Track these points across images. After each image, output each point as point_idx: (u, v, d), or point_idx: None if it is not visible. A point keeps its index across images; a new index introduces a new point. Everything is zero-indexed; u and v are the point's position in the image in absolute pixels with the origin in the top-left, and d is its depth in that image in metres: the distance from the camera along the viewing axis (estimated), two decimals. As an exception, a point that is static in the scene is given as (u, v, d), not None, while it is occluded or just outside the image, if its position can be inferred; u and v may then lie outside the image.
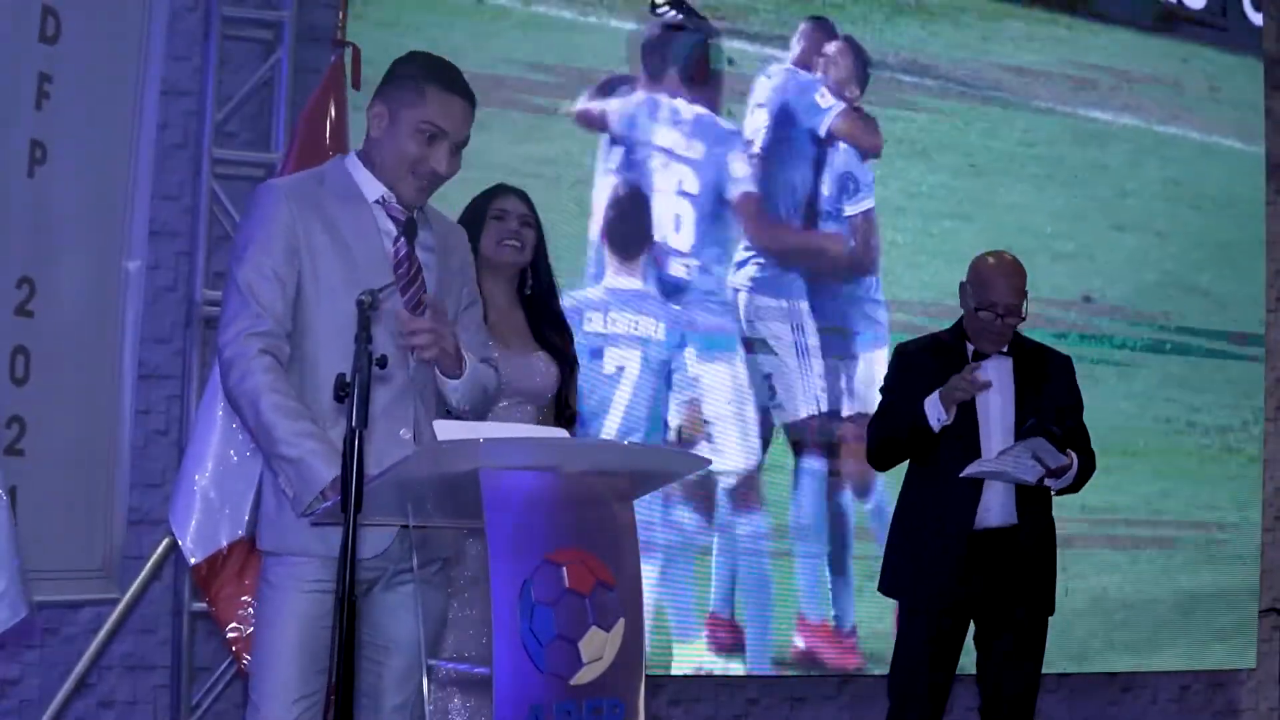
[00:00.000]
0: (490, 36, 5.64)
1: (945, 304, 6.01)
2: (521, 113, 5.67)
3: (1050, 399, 4.66)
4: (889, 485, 5.62)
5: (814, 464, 6.03)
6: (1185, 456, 6.65)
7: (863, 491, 6.06)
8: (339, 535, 3.02)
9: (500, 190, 4.33)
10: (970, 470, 4.53)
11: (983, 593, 4.59)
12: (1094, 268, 6.52)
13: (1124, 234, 6.59)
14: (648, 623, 5.56)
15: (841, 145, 6.16)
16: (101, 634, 5.11)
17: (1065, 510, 4.84)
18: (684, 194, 5.95)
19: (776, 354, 6.01)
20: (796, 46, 6.13)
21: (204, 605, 4.95)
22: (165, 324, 5.32)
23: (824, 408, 6.07)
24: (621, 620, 3.02)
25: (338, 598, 2.87)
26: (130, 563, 5.11)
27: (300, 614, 3.20)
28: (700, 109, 5.98)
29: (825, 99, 6.11)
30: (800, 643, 5.97)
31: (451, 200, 3.60)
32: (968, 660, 4.73)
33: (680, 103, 5.95)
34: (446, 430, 2.99)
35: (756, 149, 6.03)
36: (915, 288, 6.25)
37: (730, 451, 5.93)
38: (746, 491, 5.96)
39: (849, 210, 6.17)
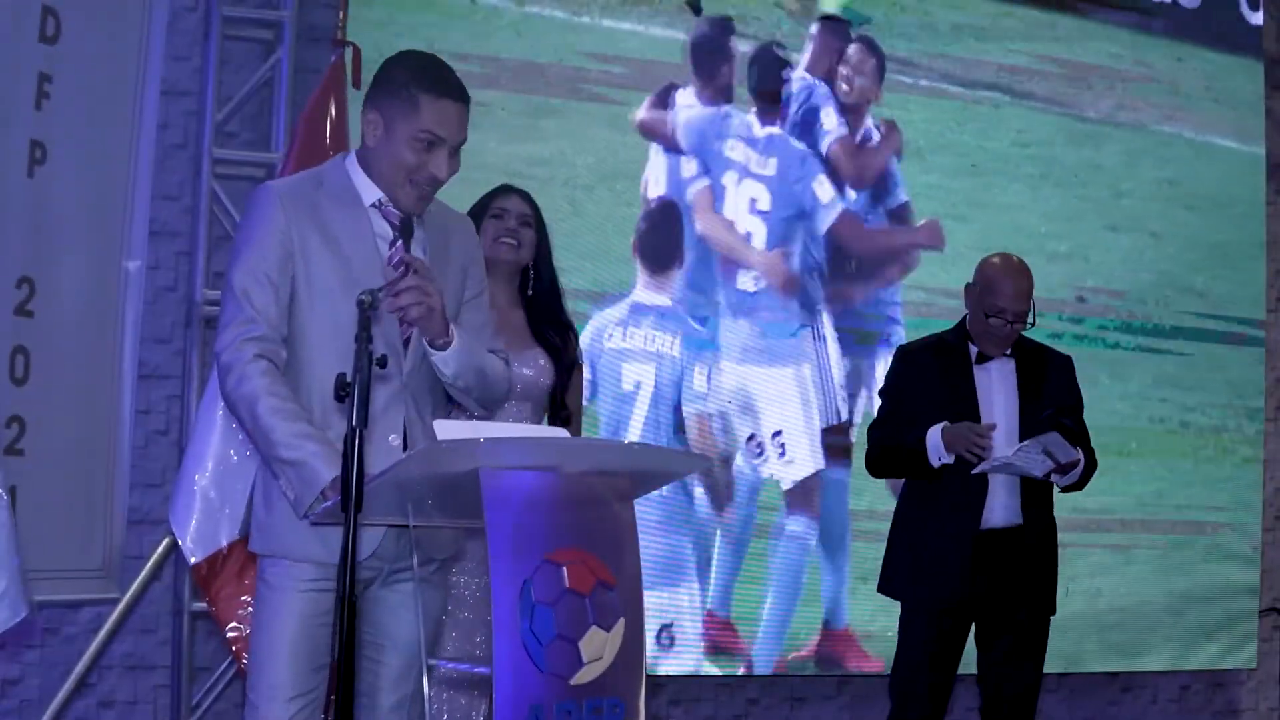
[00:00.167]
0: (488, 36, 5.64)
1: (939, 304, 6.05)
2: (515, 113, 5.69)
3: (1052, 399, 4.66)
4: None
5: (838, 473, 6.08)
6: (1184, 456, 6.65)
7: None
8: (330, 538, 3.03)
9: (502, 190, 4.33)
10: (982, 467, 4.53)
11: (985, 593, 4.59)
12: (1088, 267, 6.50)
13: (1118, 234, 6.57)
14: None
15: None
16: (102, 634, 5.11)
17: (1064, 510, 4.83)
18: (757, 212, 6.01)
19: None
20: (809, 47, 6.12)
21: (204, 605, 4.96)
22: (165, 324, 5.32)
23: (844, 416, 6.09)
24: (622, 620, 3.02)
25: (338, 597, 2.87)
26: (130, 562, 5.11)
27: (297, 613, 3.20)
28: (774, 128, 6.04)
29: (829, 119, 6.12)
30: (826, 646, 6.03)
31: (455, 200, 3.59)
32: (969, 660, 4.73)
33: (752, 119, 6.01)
34: (446, 430, 2.99)
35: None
36: (909, 288, 6.25)
37: (799, 459, 5.99)
38: (804, 496, 6.01)
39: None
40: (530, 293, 4.29)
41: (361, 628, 3.19)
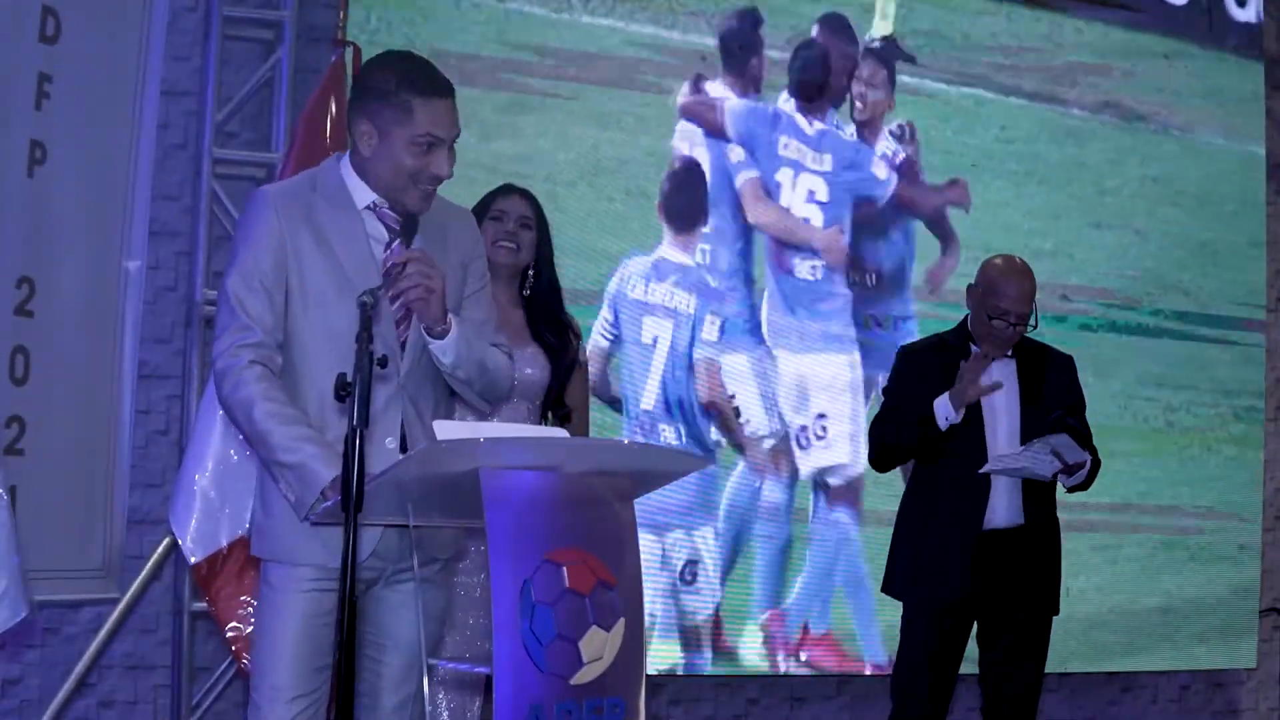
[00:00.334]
0: (486, 35, 5.63)
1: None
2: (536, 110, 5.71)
3: (1053, 399, 4.66)
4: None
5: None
6: (1169, 455, 6.65)
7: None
8: (331, 540, 3.03)
9: (503, 190, 4.33)
10: (989, 467, 4.53)
11: (987, 593, 4.59)
12: (1072, 264, 6.48)
13: (1103, 231, 6.57)
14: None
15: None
16: (102, 634, 5.11)
17: (1064, 510, 4.83)
18: (815, 201, 6.07)
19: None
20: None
21: (204, 605, 4.95)
22: (165, 324, 5.32)
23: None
24: (622, 620, 3.02)
25: (340, 597, 2.87)
26: (130, 562, 5.11)
27: (300, 613, 3.20)
28: (820, 124, 6.09)
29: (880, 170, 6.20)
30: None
31: (459, 200, 3.59)
32: (973, 660, 4.73)
33: (798, 116, 6.06)
34: (446, 430, 2.99)
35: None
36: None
37: (839, 449, 6.05)
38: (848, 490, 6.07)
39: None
40: (528, 293, 4.28)
41: (363, 628, 3.20)
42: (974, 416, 4.58)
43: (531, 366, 4.18)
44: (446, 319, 3.21)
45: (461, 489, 2.94)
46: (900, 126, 6.21)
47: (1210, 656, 6.68)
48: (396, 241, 3.27)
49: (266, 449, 3.15)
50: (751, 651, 5.95)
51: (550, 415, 4.25)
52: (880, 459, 4.86)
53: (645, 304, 5.84)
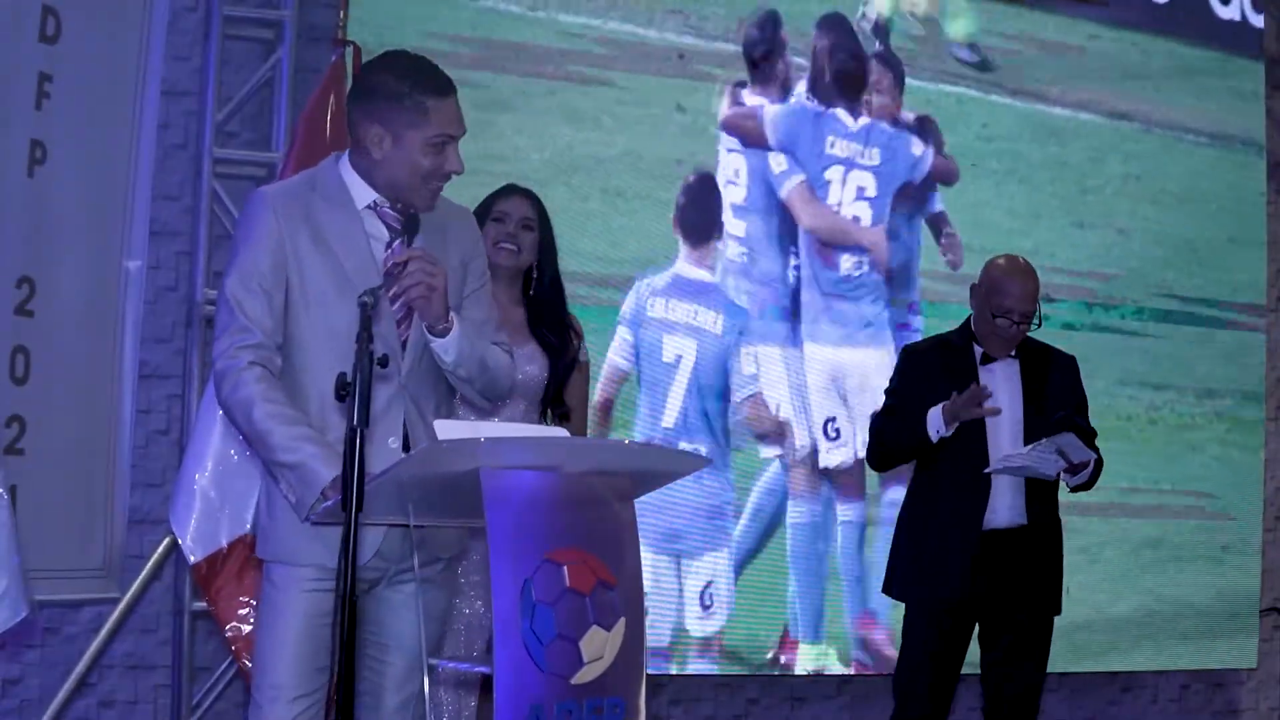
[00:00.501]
0: (486, 36, 5.64)
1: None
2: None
3: (1056, 399, 4.66)
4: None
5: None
6: (1176, 454, 6.64)
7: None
8: (334, 541, 3.03)
9: (505, 191, 4.33)
10: (994, 467, 4.53)
11: (988, 593, 4.59)
12: (1054, 263, 6.46)
13: (1085, 230, 6.56)
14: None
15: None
16: (102, 633, 5.11)
17: (1064, 510, 4.83)
18: (864, 198, 6.10)
19: None
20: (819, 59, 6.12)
21: (204, 605, 4.95)
22: (166, 323, 5.32)
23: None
24: (622, 620, 3.02)
25: (339, 597, 2.87)
26: (131, 562, 5.11)
27: (302, 613, 3.20)
28: (865, 118, 6.12)
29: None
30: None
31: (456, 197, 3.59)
32: (974, 660, 4.74)
33: (842, 113, 6.08)
34: (447, 430, 2.99)
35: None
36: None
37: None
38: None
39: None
40: (532, 293, 4.29)
41: (365, 628, 3.20)
42: (976, 418, 4.58)
43: (530, 365, 4.18)
44: (448, 317, 3.21)
45: (462, 488, 2.94)
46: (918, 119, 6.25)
47: (1210, 656, 6.67)
48: (398, 240, 3.27)
49: (266, 449, 3.15)
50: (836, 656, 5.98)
51: (549, 413, 4.25)
52: (878, 459, 4.86)
53: (666, 322, 5.81)
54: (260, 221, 3.24)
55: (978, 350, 4.67)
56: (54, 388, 4.79)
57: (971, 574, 4.56)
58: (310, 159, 4.64)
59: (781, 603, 5.95)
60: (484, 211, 4.23)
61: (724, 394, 5.88)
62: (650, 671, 4.07)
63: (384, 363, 2.94)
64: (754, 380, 5.92)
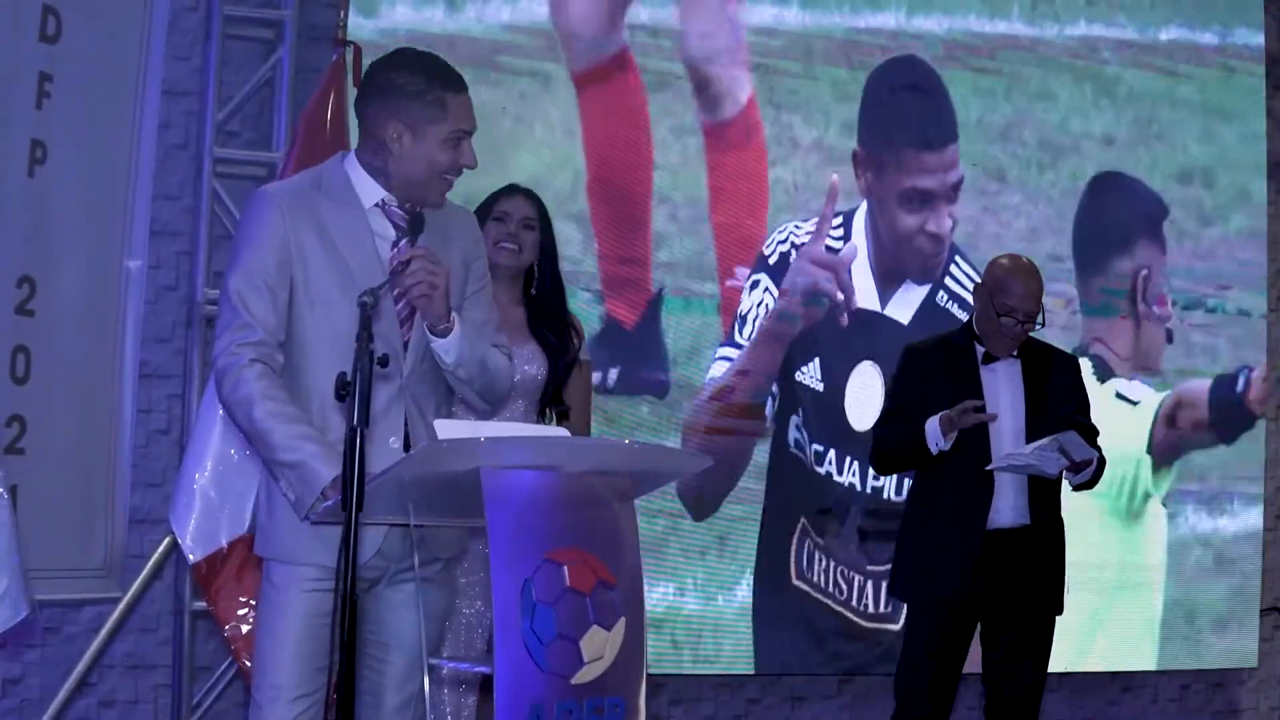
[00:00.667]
0: (486, 36, 5.64)
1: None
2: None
3: (1058, 400, 4.67)
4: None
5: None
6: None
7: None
8: (334, 540, 3.03)
9: (507, 190, 4.33)
10: (996, 464, 4.54)
11: (990, 593, 4.59)
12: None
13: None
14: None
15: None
16: (102, 633, 5.11)
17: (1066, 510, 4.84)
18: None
19: None
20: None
21: (205, 604, 4.95)
22: (166, 323, 5.32)
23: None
24: (622, 620, 3.02)
25: (338, 596, 2.87)
26: (131, 562, 5.11)
27: (303, 613, 3.20)
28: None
29: None
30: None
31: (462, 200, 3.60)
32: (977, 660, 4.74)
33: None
34: (447, 429, 2.99)
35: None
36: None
37: None
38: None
39: None
40: (534, 292, 4.29)
41: (365, 627, 3.20)
42: (979, 417, 4.59)
43: (529, 364, 4.18)
44: (450, 317, 3.21)
45: (462, 488, 2.94)
46: None
47: (1211, 656, 6.67)
48: (404, 240, 3.27)
49: (267, 448, 3.15)
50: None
51: (549, 412, 4.26)
52: (881, 464, 4.86)
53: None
54: (265, 219, 3.23)
55: (980, 350, 4.67)
56: (54, 387, 4.79)
57: (973, 574, 4.56)
58: (310, 159, 4.64)
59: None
60: (485, 211, 4.23)
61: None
62: (650, 671, 4.06)
63: (384, 362, 2.93)
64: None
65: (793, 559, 5.95)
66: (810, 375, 5.97)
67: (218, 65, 5.30)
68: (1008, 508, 4.60)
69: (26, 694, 5.13)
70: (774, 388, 5.93)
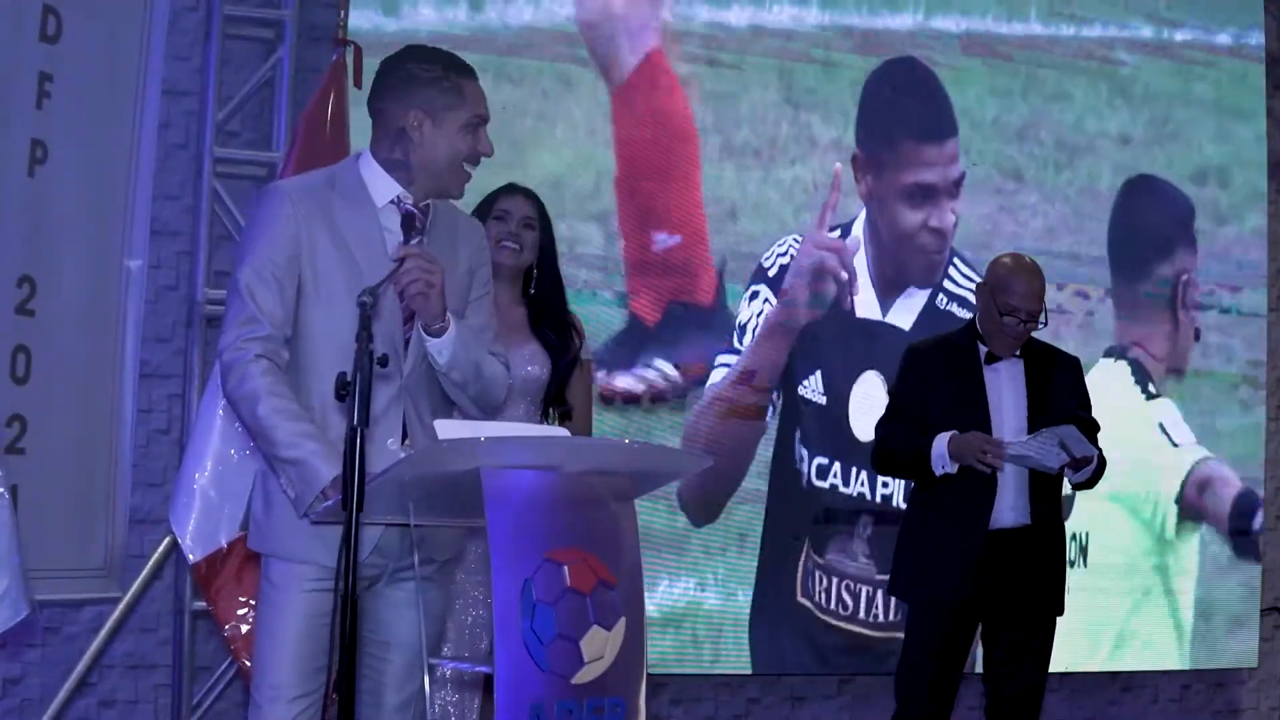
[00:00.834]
0: (508, 36, 5.64)
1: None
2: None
3: (1060, 399, 4.67)
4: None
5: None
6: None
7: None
8: (332, 538, 3.03)
9: (507, 190, 4.33)
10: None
11: (990, 593, 4.59)
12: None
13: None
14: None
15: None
16: (103, 633, 5.11)
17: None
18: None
19: None
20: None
21: (205, 604, 4.95)
22: (166, 323, 5.32)
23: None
24: (623, 620, 3.02)
25: (339, 596, 2.87)
26: (131, 562, 5.11)
27: (302, 612, 3.20)
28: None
29: None
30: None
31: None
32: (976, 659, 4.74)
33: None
34: (447, 430, 2.99)
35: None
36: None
37: None
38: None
39: None
40: (533, 291, 4.29)
41: (365, 626, 3.20)
42: (981, 417, 4.59)
43: (531, 364, 4.18)
44: (445, 317, 3.22)
45: (463, 488, 2.94)
46: None
47: (1211, 656, 6.67)
48: (414, 238, 3.28)
49: (269, 443, 3.16)
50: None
51: (552, 412, 4.26)
52: (882, 468, 4.84)
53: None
54: (276, 214, 3.24)
55: (982, 349, 4.67)
56: (55, 387, 4.79)
57: (973, 574, 4.56)
58: (310, 159, 4.65)
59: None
60: (485, 209, 4.24)
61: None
62: (650, 671, 4.07)
63: (384, 362, 2.94)
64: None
65: (799, 579, 5.93)
66: (812, 389, 5.96)
67: (218, 65, 5.30)
68: (1009, 508, 4.60)
69: (26, 694, 5.13)
70: (775, 396, 5.92)
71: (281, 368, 3.20)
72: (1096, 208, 6.52)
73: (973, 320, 4.75)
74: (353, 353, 2.94)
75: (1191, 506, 6.56)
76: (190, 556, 4.78)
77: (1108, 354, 6.45)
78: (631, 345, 5.73)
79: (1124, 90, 6.55)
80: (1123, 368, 6.41)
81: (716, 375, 5.89)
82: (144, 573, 5.13)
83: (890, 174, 6.11)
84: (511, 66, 5.58)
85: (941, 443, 4.52)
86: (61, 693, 5.05)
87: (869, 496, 5.99)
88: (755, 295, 5.93)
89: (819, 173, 6.02)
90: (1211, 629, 6.63)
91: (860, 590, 5.98)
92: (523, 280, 4.30)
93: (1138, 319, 6.50)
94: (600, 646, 2.97)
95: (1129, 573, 6.47)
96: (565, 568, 2.95)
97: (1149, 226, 6.57)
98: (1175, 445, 6.50)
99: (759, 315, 5.93)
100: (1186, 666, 6.63)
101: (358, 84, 4.96)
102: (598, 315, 5.63)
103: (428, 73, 3.27)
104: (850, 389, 5.98)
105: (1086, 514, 6.23)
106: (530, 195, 4.32)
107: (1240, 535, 6.65)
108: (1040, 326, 4.65)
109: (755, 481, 5.93)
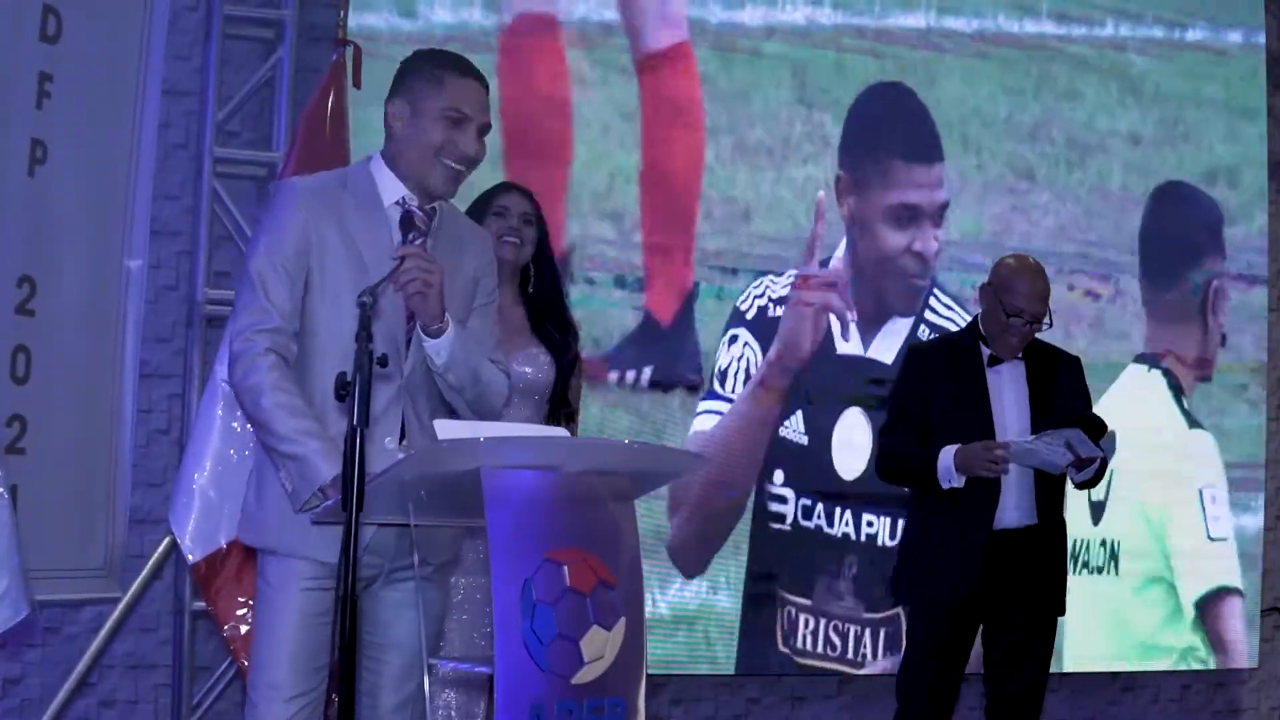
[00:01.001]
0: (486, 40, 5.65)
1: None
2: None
3: (1062, 399, 4.67)
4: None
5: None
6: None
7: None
8: (328, 533, 3.04)
9: (504, 187, 4.35)
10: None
11: (992, 593, 4.59)
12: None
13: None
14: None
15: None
16: (103, 633, 5.11)
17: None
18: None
19: None
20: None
21: (204, 604, 4.95)
22: (166, 323, 5.32)
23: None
24: (622, 620, 3.02)
25: (338, 596, 2.87)
26: (131, 562, 5.11)
27: (298, 612, 3.20)
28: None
29: None
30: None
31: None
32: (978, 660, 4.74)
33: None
34: (447, 430, 3.00)
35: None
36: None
37: None
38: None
39: None
40: (531, 290, 4.30)
41: (363, 627, 3.20)
42: (984, 418, 4.58)
43: (533, 365, 4.19)
44: (443, 318, 3.22)
45: (462, 488, 2.94)
46: None
47: (1212, 655, 6.67)
48: (411, 239, 3.29)
49: (270, 436, 3.17)
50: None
51: (557, 414, 4.26)
52: (885, 472, 4.83)
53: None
54: (289, 209, 3.27)
55: (985, 351, 4.67)
56: (55, 387, 4.79)
57: (976, 574, 4.55)
58: (310, 159, 4.66)
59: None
60: (484, 207, 4.24)
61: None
62: (651, 671, 4.07)
63: (384, 362, 2.94)
64: None
65: (778, 630, 5.91)
66: (793, 429, 5.93)
67: (218, 65, 5.30)
68: (1012, 507, 4.60)
69: (26, 694, 5.13)
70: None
71: (289, 362, 3.22)
72: (1107, 207, 6.53)
73: (975, 321, 4.75)
74: (352, 351, 2.94)
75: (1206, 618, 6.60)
76: (190, 557, 4.78)
77: (1139, 360, 6.47)
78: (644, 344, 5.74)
79: (1135, 89, 6.56)
80: (1156, 379, 6.44)
81: (703, 423, 5.82)
82: (144, 573, 5.13)
83: (876, 194, 6.08)
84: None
85: (947, 457, 4.51)
86: (61, 693, 5.05)
87: (854, 536, 5.98)
88: (734, 340, 5.87)
89: (830, 171, 6.03)
90: (1210, 628, 6.63)
91: (848, 630, 5.96)
92: (520, 278, 4.31)
93: (1169, 325, 6.53)
94: (600, 646, 2.97)
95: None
96: (565, 568, 2.95)
97: (1179, 234, 6.60)
98: (1212, 539, 6.56)
99: (739, 359, 5.87)
100: (1186, 667, 6.64)
101: (357, 84, 4.97)
102: (606, 315, 5.68)
103: (416, 66, 3.33)
104: (833, 429, 5.95)
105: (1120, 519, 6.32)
106: (525, 192, 4.34)
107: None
108: (1045, 328, 4.65)
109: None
